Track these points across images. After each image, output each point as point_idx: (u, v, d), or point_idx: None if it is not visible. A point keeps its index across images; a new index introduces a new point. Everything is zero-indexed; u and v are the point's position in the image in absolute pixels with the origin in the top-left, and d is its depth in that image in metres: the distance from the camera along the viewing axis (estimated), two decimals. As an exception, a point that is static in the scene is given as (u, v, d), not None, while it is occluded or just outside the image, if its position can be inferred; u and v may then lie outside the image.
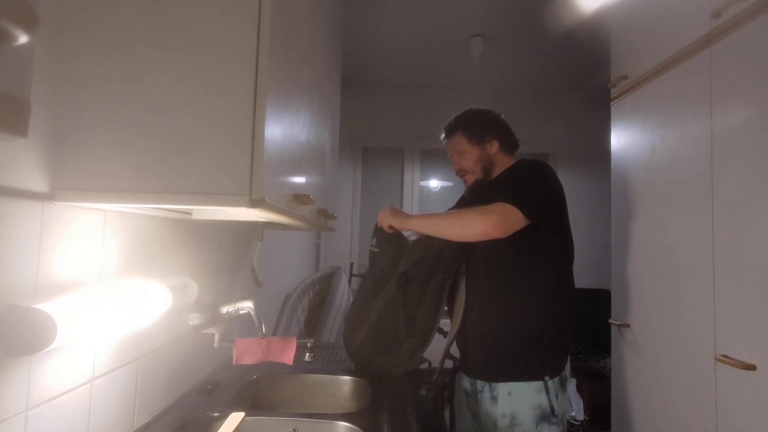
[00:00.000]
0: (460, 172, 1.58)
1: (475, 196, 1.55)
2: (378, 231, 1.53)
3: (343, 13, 1.92)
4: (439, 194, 3.83)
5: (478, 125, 1.56)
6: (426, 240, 1.49)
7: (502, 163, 1.55)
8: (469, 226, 1.36)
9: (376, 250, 1.53)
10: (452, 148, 1.59)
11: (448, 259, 1.47)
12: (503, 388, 1.39)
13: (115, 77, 0.71)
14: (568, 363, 1.46)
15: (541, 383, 1.37)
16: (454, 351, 1.56)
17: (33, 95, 0.65)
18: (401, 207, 3.72)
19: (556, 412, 1.38)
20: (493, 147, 1.54)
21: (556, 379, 1.40)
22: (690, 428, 1.45)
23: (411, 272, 1.47)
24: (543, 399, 1.37)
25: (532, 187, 1.40)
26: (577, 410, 2.88)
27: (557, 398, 1.39)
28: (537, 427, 1.37)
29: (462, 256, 1.50)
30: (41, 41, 0.68)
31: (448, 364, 1.60)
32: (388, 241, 1.51)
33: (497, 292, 1.44)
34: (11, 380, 0.64)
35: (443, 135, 1.62)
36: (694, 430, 1.43)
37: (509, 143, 1.57)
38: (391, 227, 1.49)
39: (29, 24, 0.45)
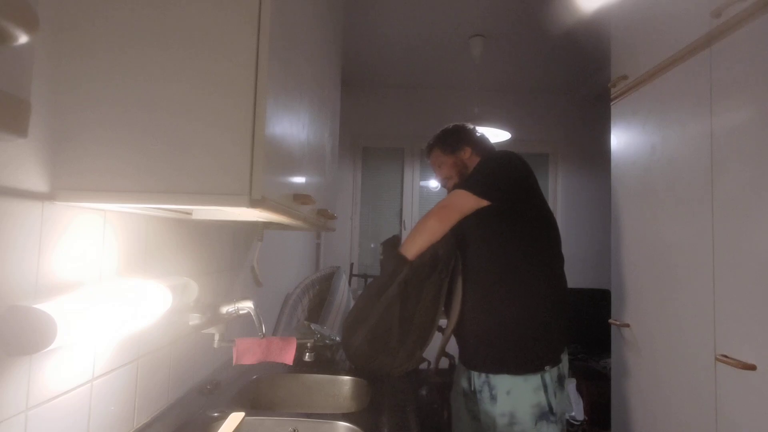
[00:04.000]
0: (443, 182, 1.70)
1: None
2: (385, 245, 1.56)
3: (343, 13, 1.92)
4: (439, 194, 3.82)
5: (450, 137, 1.69)
6: None
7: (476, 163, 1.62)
8: (426, 231, 1.46)
9: (381, 257, 1.56)
10: (433, 164, 1.72)
11: (444, 257, 1.49)
12: (502, 387, 1.40)
13: (115, 77, 0.71)
14: (567, 362, 1.47)
15: (539, 381, 1.38)
16: (452, 350, 1.56)
17: (33, 95, 0.65)
18: (401, 207, 3.75)
19: (554, 411, 1.39)
20: (466, 153, 1.65)
21: (555, 377, 1.40)
22: (690, 428, 1.45)
23: (411, 276, 1.47)
24: (541, 397, 1.38)
25: (482, 171, 1.51)
26: (577, 410, 2.88)
27: (555, 396, 1.39)
28: (536, 425, 1.37)
29: (458, 252, 1.51)
30: (41, 41, 0.68)
31: (446, 363, 1.60)
32: (391, 249, 1.55)
33: (489, 284, 1.47)
34: (11, 380, 0.64)
35: (426, 157, 1.75)
36: (694, 430, 1.43)
37: (482, 147, 1.67)
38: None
39: (29, 24, 0.45)
